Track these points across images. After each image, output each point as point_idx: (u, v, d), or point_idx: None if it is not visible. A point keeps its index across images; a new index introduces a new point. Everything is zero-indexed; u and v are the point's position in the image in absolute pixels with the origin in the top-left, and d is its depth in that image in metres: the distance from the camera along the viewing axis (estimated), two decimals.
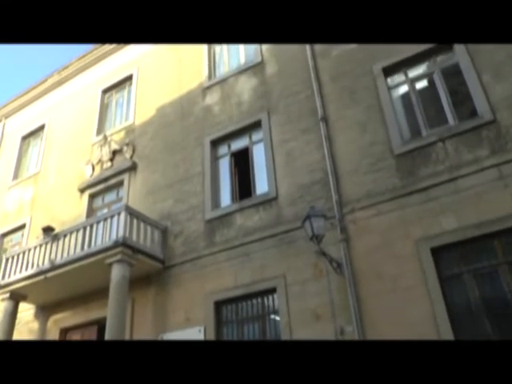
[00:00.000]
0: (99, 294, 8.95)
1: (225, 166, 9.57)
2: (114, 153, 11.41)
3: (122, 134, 11.64)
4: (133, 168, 10.78)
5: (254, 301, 7.74)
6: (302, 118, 8.62)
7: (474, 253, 6.20)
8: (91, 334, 9.40)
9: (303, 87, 8.87)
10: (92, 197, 11.41)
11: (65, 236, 9.13)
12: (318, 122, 8.27)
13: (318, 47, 9.00)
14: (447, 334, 5.80)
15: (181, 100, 10.85)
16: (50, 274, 8.93)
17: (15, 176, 13.99)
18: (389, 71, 8.06)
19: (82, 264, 8.54)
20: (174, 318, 8.31)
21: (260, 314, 7.63)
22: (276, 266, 7.60)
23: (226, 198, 9.18)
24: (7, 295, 9.52)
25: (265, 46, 9.94)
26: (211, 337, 7.71)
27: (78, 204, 11.42)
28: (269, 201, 8.27)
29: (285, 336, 6.98)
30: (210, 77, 10.67)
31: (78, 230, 8.98)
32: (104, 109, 12.92)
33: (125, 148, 11.22)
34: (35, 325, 10.36)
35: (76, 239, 8.88)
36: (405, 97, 7.95)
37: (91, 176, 11.56)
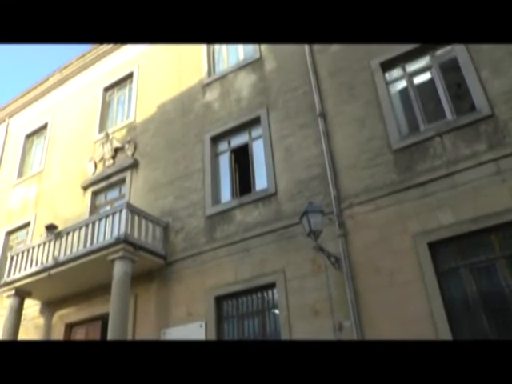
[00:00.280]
0: (103, 290, 9.06)
1: (225, 162, 9.63)
2: (116, 150, 11.51)
3: (124, 131, 11.73)
4: (134, 165, 10.87)
5: (254, 296, 7.81)
6: (300, 113, 8.64)
7: (471, 247, 6.21)
8: (95, 330, 9.57)
9: (301, 83, 8.88)
10: (95, 194, 11.54)
11: (67, 234, 9.28)
12: (316, 117, 8.29)
13: None
14: (444, 328, 5.85)
15: (181, 97, 10.91)
16: (53, 271, 9.08)
17: (20, 174, 14.15)
18: (387, 66, 8.04)
19: (85, 261, 8.67)
20: (176, 313, 8.42)
21: (260, 309, 7.71)
22: (276, 261, 7.66)
23: (226, 194, 9.25)
24: (12, 292, 9.70)
25: None
26: (212, 332, 7.81)
27: (82, 201, 11.55)
28: (268, 196, 8.32)
29: (284, 331, 7.06)
30: (209, 73, 10.70)
31: (80, 228, 9.11)
32: (106, 107, 13.01)
33: (126, 145, 11.31)
34: (41, 320, 10.53)
35: (79, 237, 9.02)
36: (403, 92, 7.93)
37: (94, 173, 11.67)
